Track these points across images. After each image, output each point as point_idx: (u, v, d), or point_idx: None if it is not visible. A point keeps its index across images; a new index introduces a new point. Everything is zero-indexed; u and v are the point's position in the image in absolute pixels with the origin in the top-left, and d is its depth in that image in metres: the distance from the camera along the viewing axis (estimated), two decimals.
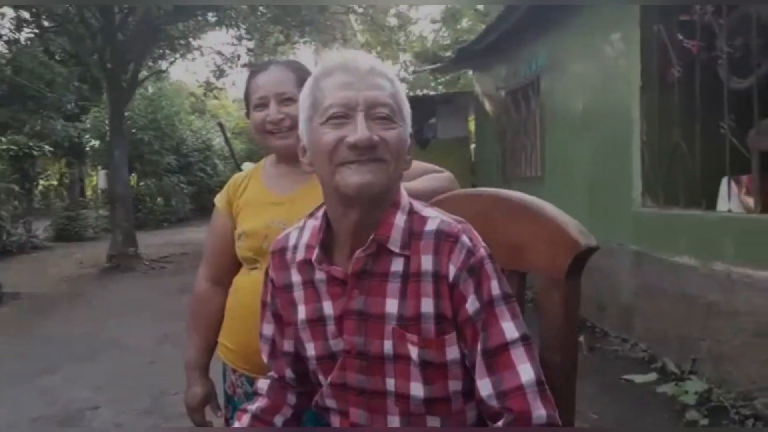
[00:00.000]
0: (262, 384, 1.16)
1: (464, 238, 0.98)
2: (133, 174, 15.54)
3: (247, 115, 1.51)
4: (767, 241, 2.92)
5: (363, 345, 1.00)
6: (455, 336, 0.97)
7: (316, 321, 1.05)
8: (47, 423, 3.29)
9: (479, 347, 0.95)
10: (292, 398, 1.15)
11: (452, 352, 0.97)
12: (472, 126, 9.87)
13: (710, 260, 3.27)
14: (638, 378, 3.46)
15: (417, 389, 0.98)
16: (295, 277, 1.08)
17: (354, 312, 1.00)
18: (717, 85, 3.36)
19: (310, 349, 1.07)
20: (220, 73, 11.93)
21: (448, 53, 11.47)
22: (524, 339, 0.96)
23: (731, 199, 3.26)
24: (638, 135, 4.02)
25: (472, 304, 0.96)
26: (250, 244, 1.43)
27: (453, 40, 14.83)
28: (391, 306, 0.98)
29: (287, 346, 1.12)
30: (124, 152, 9.64)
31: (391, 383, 0.99)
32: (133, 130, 14.44)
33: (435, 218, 1.01)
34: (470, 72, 9.38)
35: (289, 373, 1.14)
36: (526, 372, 0.93)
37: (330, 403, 1.07)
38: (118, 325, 5.44)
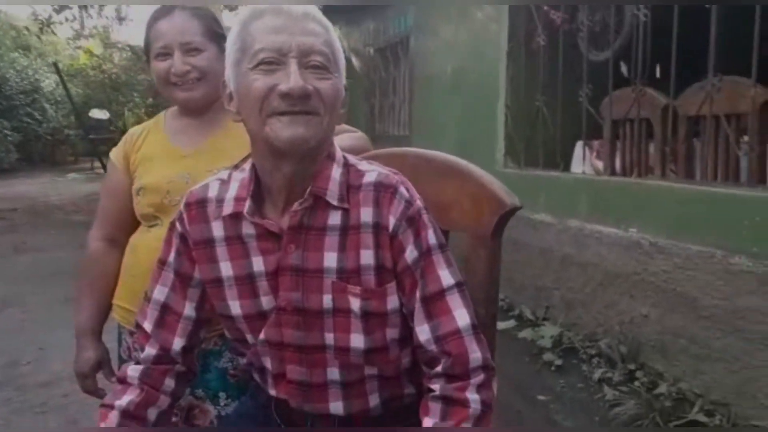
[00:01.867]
0: (132, 372, 1.05)
1: (402, 189, 0.98)
2: None
3: (147, 62, 1.38)
4: (615, 201, 3.27)
5: (300, 301, 0.98)
6: (395, 285, 0.98)
7: (244, 278, 1.01)
8: None
9: (418, 294, 0.97)
10: (170, 383, 1.06)
11: (392, 302, 0.98)
12: None
13: (565, 217, 3.60)
14: (500, 324, 3.77)
15: (357, 341, 0.98)
16: (218, 232, 1.02)
17: (290, 268, 0.98)
18: (577, 56, 3.64)
19: (235, 308, 1.02)
20: (61, 7, 10.57)
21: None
22: (459, 285, 0.99)
23: (585, 162, 3.59)
24: (503, 99, 4.25)
25: (410, 253, 0.97)
26: (150, 199, 1.34)
27: None
28: (330, 260, 0.97)
29: (188, 310, 1.06)
30: None
31: (330, 337, 0.99)
32: None
33: (372, 171, 1.00)
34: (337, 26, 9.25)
35: (177, 344, 1.06)
36: (461, 317, 0.97)
37: (266, 362, 1.04)
38: None
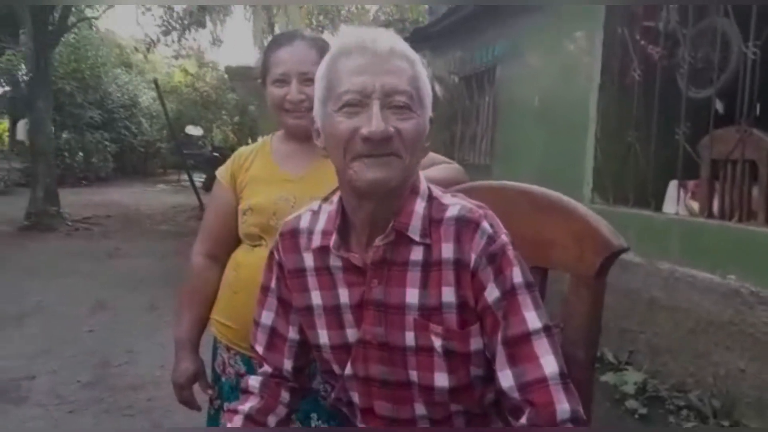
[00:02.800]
0: (254, 382, 1.11)
1: (485, 224, 0.95)
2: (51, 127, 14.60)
3: (263, 85, 1.44)
4: (712, 245, 3.10)
5: (383, 336, 0.98)
6: (479, 327, 0.95)
7: (331, 308, 1.02)
8: None
9: (499, 336, 0.93)
10: (286, 396, 1.10)
11: (476, 343, 0.96)
12: None
13: (655, 259, 3.44)
14: None
15: (441, 379, 0.96)
16: (308, 262, 1.04)
17: (373, 302, 0.98)
18: (674, 92, 3.51)
19: (323, 337, 1.04)
20: (167, 30, 11.28)
21: (390, 27, 11.37)
22: (547, 330, 0.93)
23: (680, 202, 3.43)
24: (593, 132, 4.15)
25: (491, 292, 0.93)
26: (256, 219, 1.39)
27: (398, 15, 14.72)
28: (412, 296, 0.96)
29: (292, 333, 1.09)
30: (48, 102, 9.03)
31: (414, 374, 0.98)
32: (53, 79, 13.53)
33: (455, 205, 0.98)
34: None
35: (287, 364, 1.10)
36: (549, 364, 0.90)
37: (354, 396, 1.05)
38: (45, 290, 5.10)
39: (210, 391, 1.49)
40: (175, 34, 11.59)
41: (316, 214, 1.06)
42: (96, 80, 15.70)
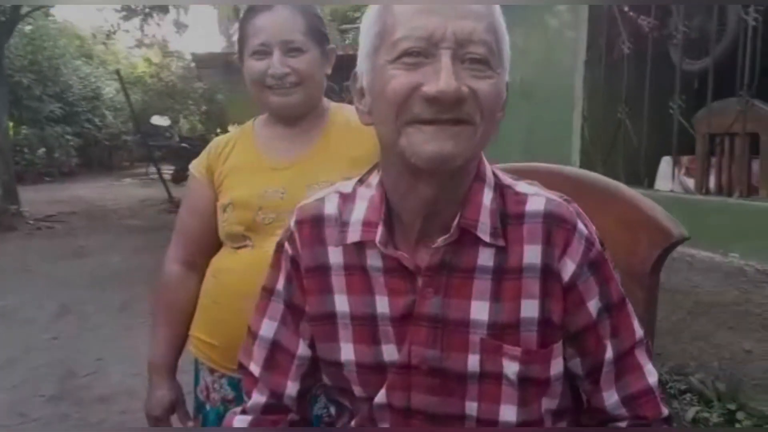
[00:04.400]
0: (240, 424, 0.88)
1: (581, 225, 0.78)
2: (9, 122, 14.00)
3: (240, 58, 1.23)
4: (712, 223, 2.98)
5: (438, 360, 0.78)
6: (561, 345, 0.78)
7: (364, 318, 0.81)
8: None
9: (609, 356, 0.79)
10: None
11: (556, 366, 0.79)
12: None
13: None
14: None
15: (508, 413, 0.78)
16: (335, 258, 0.83)
17: (426, 317, 0.78)
18: (667, 65, 3.37)
19: (347, 353, 0.83)
20: (126, 15, 10.75)
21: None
22: (643, 335, 0.83)
23: (674, 179, 3.30)
24: (580, 110, 4.00)
25: (595, 307, 0.78)
26: (240, 216, 1.19)
27: None
28: (480, 310, 0.77)
29: (302, 348, 0.87)
30: (3, 96, 8.56)
31: (473, 407, 0.79)
32: (9, 72, 12.94)
33: (537, 195, 0.79)
34: None
35: (291, 388, 0.88)
36: (651, 373, 0.82)
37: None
38: (4, 294, 4.79)
39: (191, 423, 1.28)
40: (136, 21, 11.10)
41: (348, 198, 0.85)
42: (54, 72, 15.08)
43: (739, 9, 2.82)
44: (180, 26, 12.66)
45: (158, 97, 17.44)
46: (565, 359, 0.80)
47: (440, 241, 0.78)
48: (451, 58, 0.70)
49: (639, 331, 0.82)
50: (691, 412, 2.76)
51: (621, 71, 3.64)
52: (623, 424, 0.82)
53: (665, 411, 0.82)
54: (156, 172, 10.55)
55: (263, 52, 1.18)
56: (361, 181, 0.87)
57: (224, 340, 1.18)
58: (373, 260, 0.81)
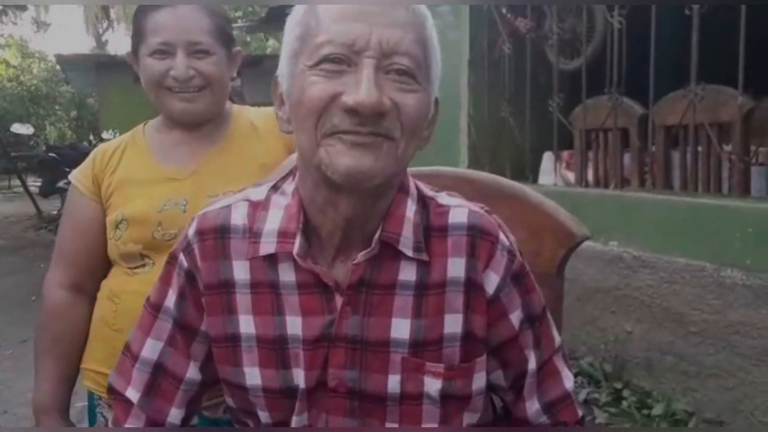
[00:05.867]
0: None
1: (502, 237, 0.77)
2: None
3: (134, 55, 1.12)
4: (591, 213, 3.16)
5: (356, 381, 0.74)
6: (484, 359, 0.77)
7: (271, 341, 0.76)
8: None
9: (532, 366, 0.79)
10: None
11: (479, 380, 0.77)
12: None
13: None
14: None
15: None
16: (241, 273, 0.76)
17: (345, 338, 0.74)
18: (545, 64, 3.54)
19: (253, 378, 0.77)
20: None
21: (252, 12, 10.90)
22: (560, 342, 0.85)
23: (556, 173, 3.48)
24: (466, 109, 4.11)
25: (517, 320, 0.78)
26: (136, 234, 1.08)
27: None
28: (400, 328, 0.74)
29: (191, 372, 0.81)
30: None
31: (394, 429, 0.75)
32: None
33: (459, 207, 0.77)
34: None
35: (174, 416, 0.81)
36: (568, 377, 0.84)
37: None
38: None
39: None
40: None
41: (258, 207, 0.77)
42: None
43: (606, 11, 3.02)
44: (41, 25, 11.64)
45: (20, 102, 16.00)
46: (487, 372, 0.79)
47: (360, 256, 0.73)
48: (374, 68, 0.66)
49: (557, 338, 0.84)
50: (582, 394, 2.92)
51: (503, 71, 3.79)
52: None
53: (580, 413, 0.84)
54: (21, 185, 9.64)
55: (164, 51, 1.08)
56: (275, 188, 0.80)
57: None
58: (286, 276, 0.75)
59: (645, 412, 2.68)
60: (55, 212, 7.93)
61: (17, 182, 10.46)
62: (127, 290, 1.11)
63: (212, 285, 0.78)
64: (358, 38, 0.66)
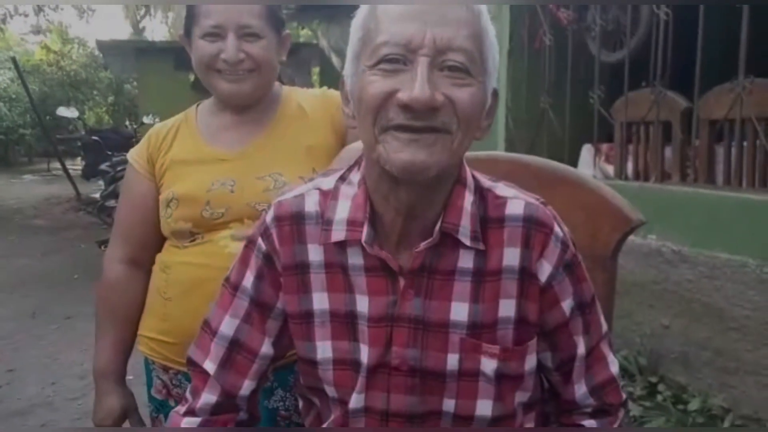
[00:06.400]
0: (188, 425, 0.86)
1: (557, 228, 0.81)
2: None
3: (187, 37, 1.16)
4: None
5: (418, 360, 0.79)
6: (535, 342, 0.82)
7: (343, 315, 0.81)
8: None
9: (581, 351, 0.84)
10: None
11: (530, 362, 0.82)
12: (315, 78, 9.59)
13: None
14: None
15: (484, 408, 0.81)
16: (315, 256, 0.82)
17: (407, 318, 0.79)
18: (586, 56, 3.51)
19: (324, 350, 0.82)
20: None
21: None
22: (607, 329, 0.89)
23: (596, 166, 3.46)
24: (504, 101, 4.10)
25: (568, 307, 0.82)
26: (186, 212, 1.12)
27: None
28: (459, 311, 0.79)
29: (265, 347, 0.86)
30: None
31: (450, 404, 0.81)
32: None
33: (516, 199, 0.81)
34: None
35: (246, 387, 0.87)
36: (614, 362, 0.88)
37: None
38: None
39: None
40: (24, 9, 10.32)
41: (328, 196, 0.83)
42: None
43: (651, 4, 2.98)
44: (87, 10, 11.89)
45: (60, 87, 16.36)
46: (537, 353, 0.84)
47: (423, 245, 0.78)
48: (428, 66, 0.70)
49: (604, 325, 0.88)
50: None
51: (542, 62, 3.76)
52: (589, 411, 0.87)
53: (623, 396, 0.89)
54: (61, 167, 9.90)
55: (216, 34, 1.12)
56: (342, 179, 0.85)
57: (179, 337, 1.12)
58: (355, 259, 0.81)
59: (680, 407, 2.67)
60: (95, 195, 8.12)
61: (56, 165, 10.71)
62: (177, 261, 1.16)
63: (289, 266, 0.83)
64: (413, 37, 0.70)
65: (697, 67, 2.73)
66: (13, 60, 9.74)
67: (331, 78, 7.77)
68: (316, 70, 9.38)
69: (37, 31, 15.40)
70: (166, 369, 1.19)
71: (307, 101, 1.23)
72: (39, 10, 10.84)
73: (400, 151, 0.71)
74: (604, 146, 3.51)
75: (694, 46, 2.73)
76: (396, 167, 0.72)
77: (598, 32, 3.34)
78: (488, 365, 0.79)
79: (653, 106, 3.00)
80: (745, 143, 2.68)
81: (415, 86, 0.69)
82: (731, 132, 2.73)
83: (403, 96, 0.70)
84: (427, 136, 0.71)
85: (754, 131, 2.60)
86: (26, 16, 11.14)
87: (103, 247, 4.73)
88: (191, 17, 1.14)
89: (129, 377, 1.24)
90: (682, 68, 2.92)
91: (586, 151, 3.60)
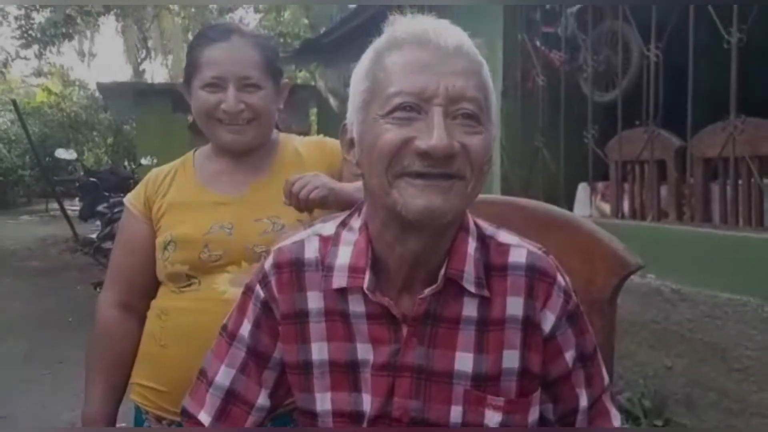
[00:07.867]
0: None
1: (560, 278, 0.81)
2: None
3: (187, 86, 1.17)
4: (628, 245, 3.13)
5: (420, 411, 0.77)
6: (539, 395, 0.81)
7: (344, 365, 0.80)
8: None
9: (583, 404, 0.82)
10: None
11: (534, 414, 0.81)
12: (313, 119, 9.70)
13: None
14: None
15: None
16: (315, 303, 0.81)
17: (410, 367, 0.77)
18: (579, 96, 3.56)
19: (324, 402, 0.81)
20: (27, 42, 10.09)
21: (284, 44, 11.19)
22: (609, 381, 0.89)
23: (592, 205, 3.46)
24: (498, 139, 4.13)
25: (571, 358, 0.81)
26: (183, 255, 1.12)
27: (276, 32, 14.49)
28: (463, 362, 0.78)
29: (262, 398, 0.85)
30: None
31: None
32: None
33: (519, 247, 0.81)
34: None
35: None
36: (616, 417, 0.87)
37: None
38: None
39: None
40: (36, 48, 10.48)
41: (329, 242, 0.82)
42: None
43: (642, 44, 3.03)
44: (88, 54, 12.08)
45: (60, 128, 16.51)
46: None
47: (427, 291, 0.77)
48: (442, 114, 0.72)
49: (606, 378, 0.87)
50: None
51: (536, 102, 3.81)
52: None
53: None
54: (59, 208, 9.90)
55: (216, 85, 1.14)
56: (343, 224, 0.85)
57: (173, 386, 1.09)
58: (356, 306, 0.80)
59: None
60: (92, 236, 8.10)
61: (54, 206, 10.73)
62: (174, 307, 1.15)
63: (288, 315, 0.82)
64: (427, 87, 0.72)
65: (688, 105, 2.76)
66: (14, 102, 9.86)
67: (328, 118, 7.87)
68: (313, 111, 9.50)
69: (39, 73, 15.60)
70: (159, 419, 1.17)
71: (304, 147, 1.26)
72: (41, 54, 10.98)
73: (416, 197, 0.72)
74: (600, 185, 3.53)
75: (685, 86, 2.77)
76: (412, 213, 0.72)
77: (590, 73, 3.39)
78: (492, 418, 0.78)
79: (647, 145, 3.02)
80: (740, 181, 2.69)
81: (433, 134, 0.70)
82: (725, 170, 2.74)
83: (421, 144, 0.71)
84: (442, 182, 0.72)
85: (748, 170, 2.61)
86: (28, 59, 11.28)
87: (98, 289, 4.67)
88: (192, 67, 1.16)
89: (122, 424, 1.21)
90: (674, 107, 2.96)
91: (582, 190, 3.61)
